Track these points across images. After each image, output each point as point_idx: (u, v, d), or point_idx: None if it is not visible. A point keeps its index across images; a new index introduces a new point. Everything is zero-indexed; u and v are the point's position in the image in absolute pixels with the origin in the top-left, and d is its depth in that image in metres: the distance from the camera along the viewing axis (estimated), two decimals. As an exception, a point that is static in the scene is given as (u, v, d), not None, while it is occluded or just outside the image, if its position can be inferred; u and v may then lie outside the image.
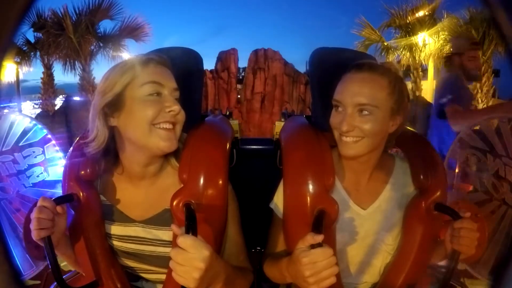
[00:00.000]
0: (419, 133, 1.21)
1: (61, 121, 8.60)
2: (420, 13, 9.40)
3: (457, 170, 2.42)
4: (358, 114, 0.99)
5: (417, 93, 9.35)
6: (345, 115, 1.00)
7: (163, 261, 1.01)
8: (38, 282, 2.23)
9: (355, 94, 0.99)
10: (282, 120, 1.47)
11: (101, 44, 10.01)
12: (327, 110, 1.09)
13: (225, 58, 11.86)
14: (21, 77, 10.41)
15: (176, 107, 0.98)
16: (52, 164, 2.52)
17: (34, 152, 2.49)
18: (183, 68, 1.11)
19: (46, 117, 8.87)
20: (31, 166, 2.47)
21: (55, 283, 0.95)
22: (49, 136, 2.54)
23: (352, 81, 1.01)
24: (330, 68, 1.10)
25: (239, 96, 11.73)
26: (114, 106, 0.96)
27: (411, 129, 1.19)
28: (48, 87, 10.01)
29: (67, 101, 9.10)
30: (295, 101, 11.50)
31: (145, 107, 0.95)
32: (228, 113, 1.58)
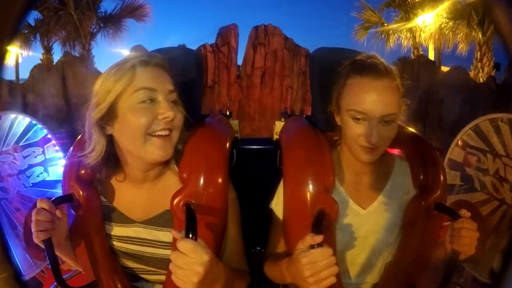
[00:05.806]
0: (419, 133, 1.21)
1: (58, 75, 8.43)
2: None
3: (457, 170, 2.42)
4: (382, 124, 0.98)
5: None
6: (372, 127, 0.97)
7: (163, 263, 1.01)
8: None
9: (381, 104, 0.96)
10: (282, 120, 1.47)
11: (102, 24, 10.09)
12: (327, 110, 1.09)
13: (226, 33, 11.58)
14: (20, 60, 10.41)
15: (170, 113, 0.93)
16: (52, 164, 2.52)
17: (34, 152, 2.49)
18: (183, 68, 1.11)
19: (43, 69, 8.76)
20: (31, 166, 2.47)
21: (55, 283, 0.95)
22: (49, 136, 2.55)
23: (373, 90, 0.97)
24: (330, 68, 1.10)
25: (239, 66, 11.38)
26: (108, 116, 0.95)
27: (410, 129, 1.19)
28: (48, 68, 9.98)
29: (65, 56, 8.93)
30: (296, 75, 11.30)
31: (138, 116, 0.92)
32: (228, 113, 1.58)
